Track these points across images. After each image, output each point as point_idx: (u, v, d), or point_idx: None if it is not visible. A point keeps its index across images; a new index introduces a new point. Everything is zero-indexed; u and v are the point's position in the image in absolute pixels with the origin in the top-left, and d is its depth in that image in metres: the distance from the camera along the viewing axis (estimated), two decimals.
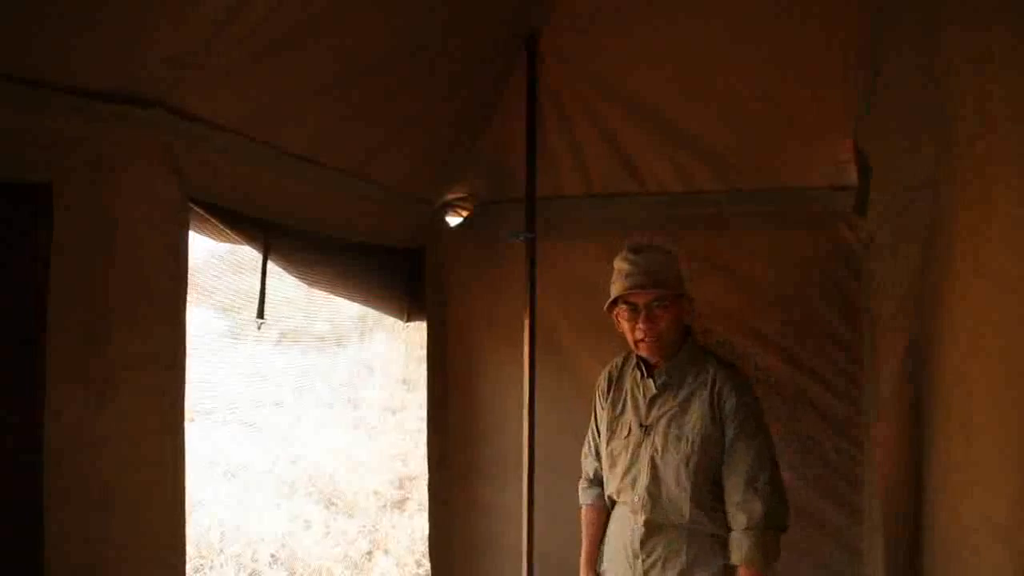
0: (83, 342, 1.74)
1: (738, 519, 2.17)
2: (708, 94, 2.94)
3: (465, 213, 3.45)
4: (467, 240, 3.43)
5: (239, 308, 2.85)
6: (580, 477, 2.59)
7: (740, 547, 2.16)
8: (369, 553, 5.24)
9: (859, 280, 2.94)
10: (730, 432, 2.19)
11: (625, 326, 2.29)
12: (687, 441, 2.21)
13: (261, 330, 2.74)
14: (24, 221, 1.67)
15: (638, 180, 3.17)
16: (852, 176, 2.83)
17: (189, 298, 2.04)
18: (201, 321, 3.08)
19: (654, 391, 2.30)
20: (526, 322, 3.03)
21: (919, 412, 2.19)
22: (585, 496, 2.55)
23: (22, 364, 1.66)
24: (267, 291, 2.51)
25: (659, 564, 2.25)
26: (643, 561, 2.27)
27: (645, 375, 2.32)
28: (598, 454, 2.49)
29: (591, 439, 2.54)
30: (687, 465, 2.20)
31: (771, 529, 2.17)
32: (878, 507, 2.64)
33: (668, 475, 2.23)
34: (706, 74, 2.90)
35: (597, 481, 2.51)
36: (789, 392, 3.02)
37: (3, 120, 1.61)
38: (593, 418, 2.54)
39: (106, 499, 1.78)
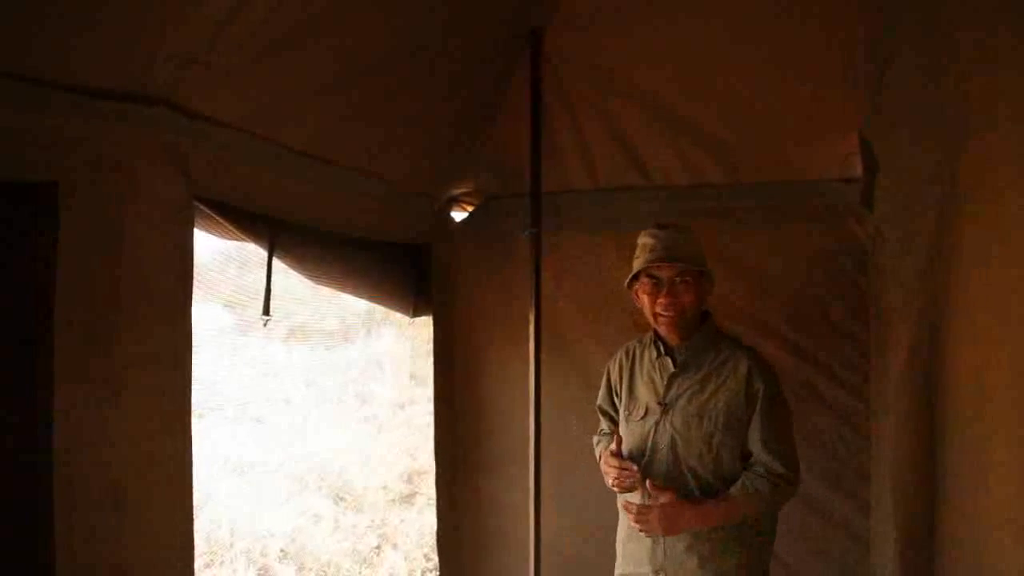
0: (89, 342, 1.74)
1: (754, 469, 2.19)
2: (711, 90, 2.93)
3: (470, 208, 3.45)
4: (473, 235, 3.43)
5: (246, 304, 2.86)
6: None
7: (741, 483, 2.18)
8: (378, 548, 5.26)
9: (866, 274, 2.93)
10: (757, 413, 2.20)
11: (645, 300, 2.28)
12: (710, 419, 2.20)
13: (268, 327, 2.76)
14: (29, 221, 1.68)
15: (643, 174, 3.16)
16: (857, 169, 2.82)
17: (196, 294, 2.04)
18: (209, 318, 3.09)
19: (672, 369, 2.29)
20: (532, 316, 3.03)
21: (932, 409, 2.18)
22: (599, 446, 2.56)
23: (29, 364, 1.67)
24: (274, 288, 2.52)
25: (681, 551, 2.20)
26: (664, 550, 2.22)
27: (663, 353, 2.31)
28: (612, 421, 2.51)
29: (605, 406, 2.55)
30: (710, 444, 2.19)
31: (781, 484, 2.19)
32: (889, 502, 2.64)
33: (689, 454, 2.22)
34: (708, 71, 2.89)
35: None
36: (796, 384, 3.01)
37: (8, 119, 1.61)
38: (606, 387, 2.53)
39: (115, 498, 1.79)
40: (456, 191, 3.39)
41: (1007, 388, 1.64)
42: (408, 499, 5.60)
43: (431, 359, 3.47)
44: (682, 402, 2.25)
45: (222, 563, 4.79)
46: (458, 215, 3.48)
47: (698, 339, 2.28)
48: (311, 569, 4.95)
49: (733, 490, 2.17)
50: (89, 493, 1.74)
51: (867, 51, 2.65)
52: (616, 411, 2.49)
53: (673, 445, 2.24)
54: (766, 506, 2.20)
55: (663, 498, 2.17)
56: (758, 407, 2.20)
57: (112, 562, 1.79)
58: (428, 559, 4.95)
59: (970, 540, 1.87)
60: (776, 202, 3.05)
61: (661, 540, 2.23)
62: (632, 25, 2.89)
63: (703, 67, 2.90)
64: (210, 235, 2.37)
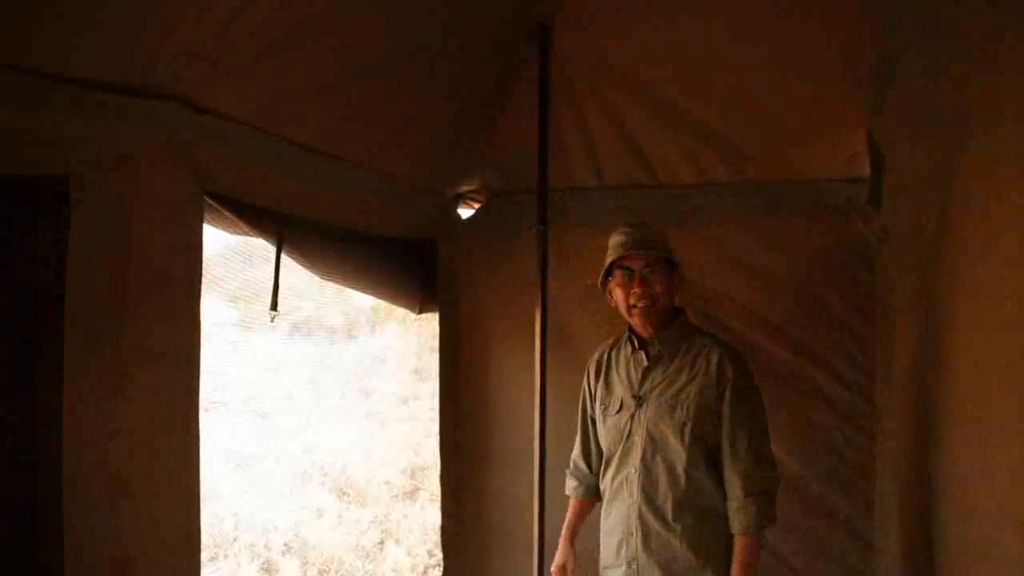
0: (99, 339, 1.75)
1: (734, 488, 2.18)
2: (715, 89, 2.92)
3: (477, 205, 3.45)
4: (480, 232, 3.43)
5: (250, 299, 2.87)
6: None
7: (739, 515, 2.17)
8: (381, 543, 5.27)
9: (871, 272, 2.93)
10: (727, 404, 2.20)
11: (619, 293, 2.33)
12: (683, 408, 2.22)
13: (274, 322, 2.77)
14: (41, 217, 1.69)
15: (650, 171, 3.16)
16: (865, 168, 2.82)
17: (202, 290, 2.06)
18: (214, 312, 3.10)
19: (646, 363, 2.33)
20: (538, 313, 3.04)
21: (932, 407, 2.19)
22: (568, 488, 2.62)
23: (39, 360, 1.68)
24: (280, 283, 2.52)
25: (652, 537, 2.24)
26: (638, 538, 2.27)
27: (637, 348, 2.35)
28: (585, 444, 2.55)
29: (580, 429, 2.58)
30: (682, 434, 2.21)
31: (764, 494, 2.17)
32: (893, 501, 2.64)
33: (663, 444, 2.25)
34: (711, 70, 2.88)
35: (579, 475, 2.58)
36: (800, 383, 3.01)
37: (19, 116, 1.62)
38: (581, 407, 2.57)
39: (123, 494, 1.80)
40: (462, 188, 3.39)
41: (1010, 386, 1.65)
42: (411, 494, 5.61)
43: (435, 354, 3.48)
44: (656, 394, 2.29)
45: (226, 557, 4.81)
46: (464, 212, 3.48)
47: (671, 331, 2.32)
48: (314, 563, 4.97)
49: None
50: (98, 489, 1.75)
51: (869, 51, 2.65)
52: (593, 424, 2.53)
53: (648, 438, 2.27)
54: (760, 518, 2.17)
55: None
56: (727, 398, 2.20)
57: (120, 557, 1.80)
58: (431, 555, 4.96)
59: (973, 539, 1.87)
60: (781, 200, 3.05)
61: (635, 534, 2.27)
62: (632, 25, 2.88)
63: (704, 66, 2.89)
64: (217, 230, 2.38)
